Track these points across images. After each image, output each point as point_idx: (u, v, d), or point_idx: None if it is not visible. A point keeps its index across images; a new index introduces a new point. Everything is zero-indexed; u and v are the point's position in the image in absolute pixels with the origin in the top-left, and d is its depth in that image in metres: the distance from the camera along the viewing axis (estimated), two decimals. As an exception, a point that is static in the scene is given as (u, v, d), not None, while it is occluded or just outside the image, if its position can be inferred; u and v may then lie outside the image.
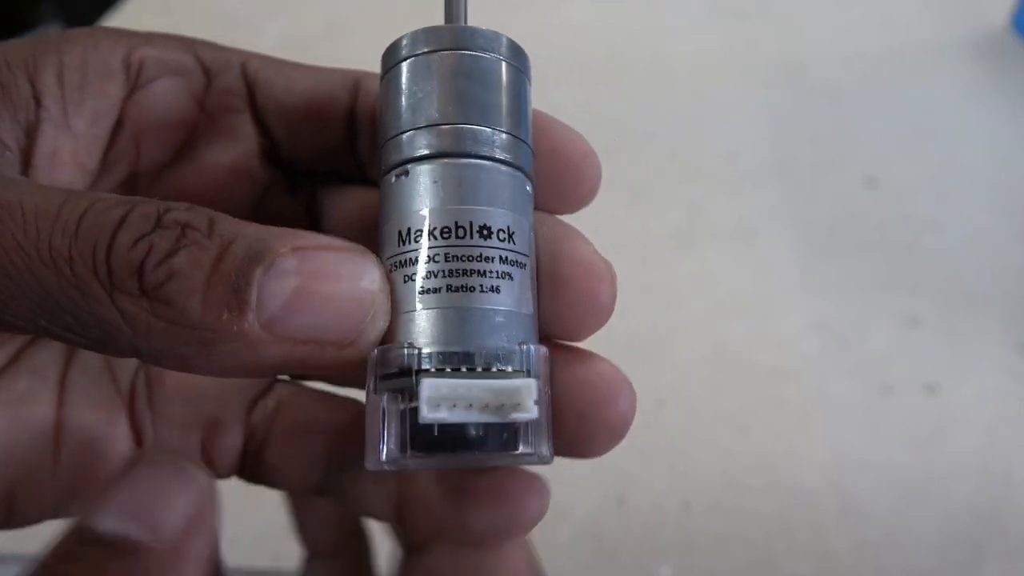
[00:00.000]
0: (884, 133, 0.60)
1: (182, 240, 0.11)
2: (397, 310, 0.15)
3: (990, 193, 0.55)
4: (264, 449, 0.20)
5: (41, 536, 0.14)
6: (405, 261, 0.15)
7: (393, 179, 0.16)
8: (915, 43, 0.70)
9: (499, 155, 0.16)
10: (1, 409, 0.17)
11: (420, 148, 0.15)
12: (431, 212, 0.15)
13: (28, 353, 0.18)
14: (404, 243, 0.15)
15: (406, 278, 0.15)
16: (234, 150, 0.18)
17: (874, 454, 0.40)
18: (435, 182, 0.15)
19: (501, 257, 0.15)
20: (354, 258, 0.14)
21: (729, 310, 0.47)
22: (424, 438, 0.14)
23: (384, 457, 0.14)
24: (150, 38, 0.18)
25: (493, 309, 0.15)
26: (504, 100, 0.16)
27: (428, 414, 0.14)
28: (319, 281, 0.12)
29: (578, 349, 0.17)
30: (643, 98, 0.65)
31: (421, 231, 0.15)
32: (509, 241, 0.15)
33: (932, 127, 0.61)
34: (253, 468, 0.20)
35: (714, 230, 0.52)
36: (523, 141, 0.16)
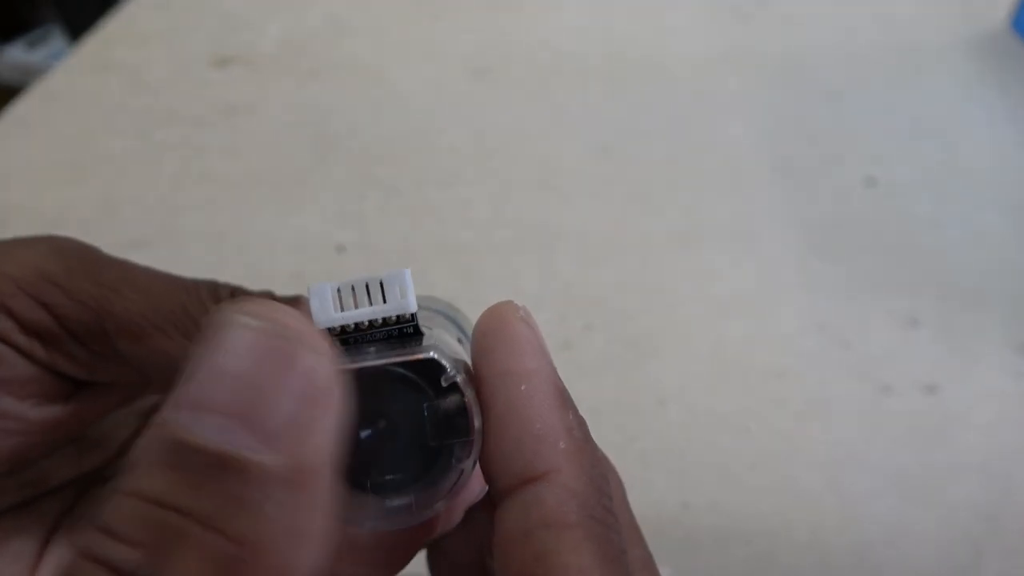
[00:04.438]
0: (884, 133, 0.60)
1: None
2: None
3: (990, 193, 0.55)
4: None
5: None
6: None
7: None
8: (915, 43, 0.70)
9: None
10: None
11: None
12: None
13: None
14: None
15: None
16: None
17: (874, 454, 0.40)
18: None
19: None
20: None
21: (729, 310, 0.47)
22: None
23: None
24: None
25: None
26: None
27: (321, 316, 0.14)
28: None
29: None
30: (643, 98, 0.65)
31: None
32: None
33: (932, 127, 0.61)
34: None
35: (714, 230, 0.52)
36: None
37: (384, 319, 0.15)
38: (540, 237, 0.52)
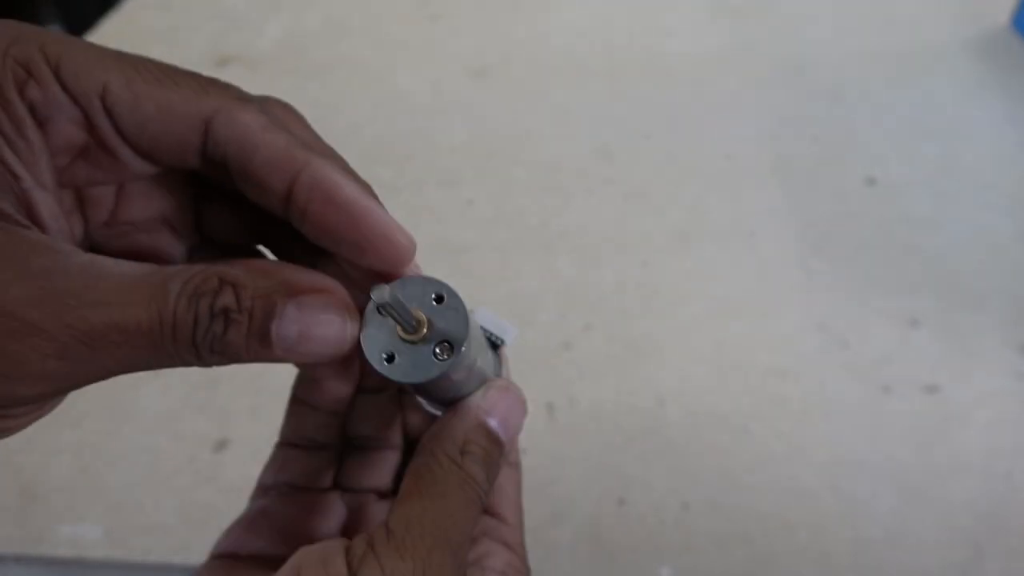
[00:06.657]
0: (884, 133, 0.60)
1: (228, 321, 0.18)
2: None
3: (990, 193, 0.55)
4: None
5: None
6: None
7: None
8: (915, 43, 0.70)
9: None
10: None
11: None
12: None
13: None
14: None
15: None
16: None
17: (874, 454, 0.40)
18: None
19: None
20: (329, 308, 0.20)
21: (729, 310, 0.47)
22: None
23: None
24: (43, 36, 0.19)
25: None
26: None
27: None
28: (312, 328, 0.19)
29: None
30: (642, 98, 0.65)
31: None
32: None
33: (932, 127, 0.61)
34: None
35: (714, 230, 0.53)
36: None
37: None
38: (540, 237, 0.52)
